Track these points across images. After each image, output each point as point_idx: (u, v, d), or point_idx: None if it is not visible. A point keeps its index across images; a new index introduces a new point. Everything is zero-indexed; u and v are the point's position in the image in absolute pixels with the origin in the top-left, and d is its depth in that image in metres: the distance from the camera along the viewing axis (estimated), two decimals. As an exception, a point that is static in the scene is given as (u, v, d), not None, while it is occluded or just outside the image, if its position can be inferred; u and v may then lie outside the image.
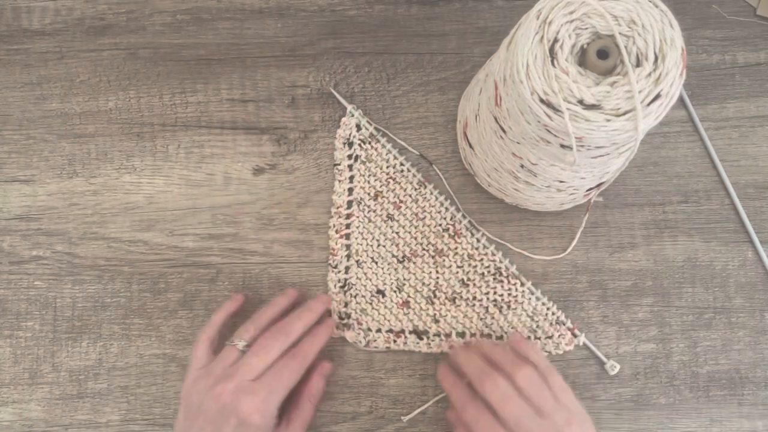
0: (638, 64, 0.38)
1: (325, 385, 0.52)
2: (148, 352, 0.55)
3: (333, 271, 0.56)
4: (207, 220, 0.57)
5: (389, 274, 0.56)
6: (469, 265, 0.55)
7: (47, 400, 0.55)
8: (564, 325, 0.54)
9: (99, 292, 0.56)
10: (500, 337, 0.55)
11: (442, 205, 0.56)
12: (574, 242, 0.56)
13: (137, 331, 0.56)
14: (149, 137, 0.58)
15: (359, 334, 0.55)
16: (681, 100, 0.58)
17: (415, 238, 0.56)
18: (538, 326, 0.54)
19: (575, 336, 0.54)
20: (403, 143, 0.58)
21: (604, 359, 0.54)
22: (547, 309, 0.55)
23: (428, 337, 0.55)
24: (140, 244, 0.57)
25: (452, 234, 0.56)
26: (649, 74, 0.38)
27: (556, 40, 0.39)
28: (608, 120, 0.38)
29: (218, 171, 0.58)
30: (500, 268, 0.55)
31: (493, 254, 0.55)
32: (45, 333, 0.56)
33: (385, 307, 0.55)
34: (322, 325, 0.52)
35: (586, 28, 0.39)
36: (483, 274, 0.55)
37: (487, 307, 0.55)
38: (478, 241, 0.55)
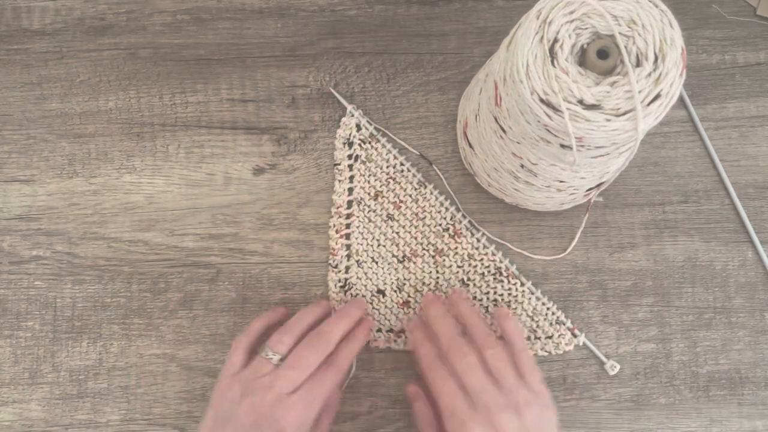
0: (638, 64, 0.38)
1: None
2: (148, 352, 0.55)
3: (333, 271, 0.56)
4: (207, 220, 0.57)
5: (389, 274, 0.56)
6: (470, 264, 0.55)
7: (47, 400, 0.55)
8: (564, 324, 0.54)
9: (99, 292, 0.56)
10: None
11: (442, 205, 0.56)
12: (574, 242, 0.56)
13: (137, 331, 0.56)
14: (149, 137, 0.58)
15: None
16: (681, 100, 0.58)
17: (416, 238, 0.56)
18: (538, 326, 0.54)
19: (575, 336, 0.54)
20: (403, 143, 0.58)
21: (604, 359, 0.54)
22: (547, 309, 0.55)
23: (428, 337, 0.55)
24: (140, 244, 0.57)
25: (452, 234, 0.56)
26: (649, 74, 0.38)
27: (556, 40, 0.39)
28: (608, 120, 0.38)
29: (218, 171, 0.58)
30: (500, 268, 0.55)
31: (494, 254, 0.55)
32: (45, 333, 0.56)
33: (386, 306, 0.55)
34: (359, 327, 0.51)
35: (586, 28, 0.39)
36: (483, 274, 0.55)
37: (487, 307, 0.55)
38: (478, 241, 0.55)
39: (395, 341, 0.55)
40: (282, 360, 0.46)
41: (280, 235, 0.57)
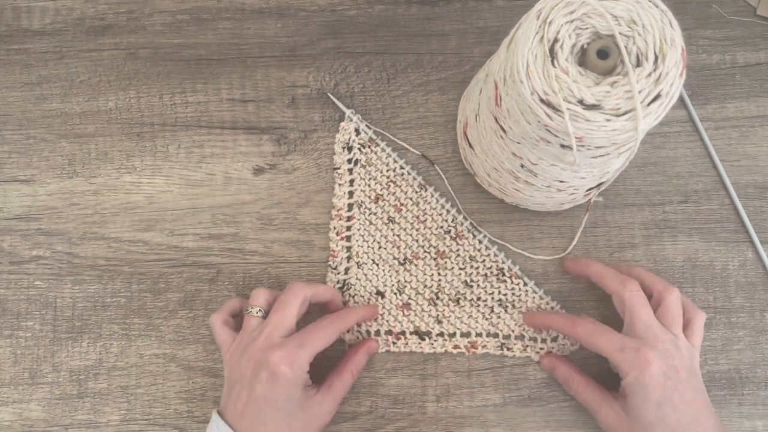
0: (638, 64, 0.38)
1: (366, 361, 0.53)
2: (148, 352, 0.55)
3: (332, 272, 0.56)
4: (207, 220, 0.57)
5: (390, 276, 0.56)
6: (471, 266, 0.55)
7: (47, 400, 0.55)
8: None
9: (99, 292, 0.56)
10: (507, 337, 0.54)
11: (443, 207, 0.56)
12: (574, 242, 0.56)
13: (137, 331, 0.56)
14: (149, 137, 0.58)
15: (357, 337, 0.55)
16: (681, 100, 0.58)
17: (417, 241, 0.56)
18: (538, 326, 0.54)
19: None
20: (403, 144, 0.57)
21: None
22: (551, 309, 0.54)
23: (430, 338, 0.55)
24: (140, 244, 0.57)
25: (454, 236, 0.56)
26: (649, 74, 0.38)
27: (556, 40, 0.39)
28: (608, 120, 0.38)
29: (218, 171, 0.58)
30: (503, 268, 0.55)
31: (495, 255, 0.55)
32: (45, 333, 0.56)
33: (384, 308, 0.55)
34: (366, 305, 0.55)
35: (586, 28, 0.39)
36: (486, 275, 0.55)
37: (492, 307, 0.55)
38: (480, 242, 0.55)
39: (394, 344, 0.55)
40: (262, 312, 0.50)
41: (280, 235, 0.57)
